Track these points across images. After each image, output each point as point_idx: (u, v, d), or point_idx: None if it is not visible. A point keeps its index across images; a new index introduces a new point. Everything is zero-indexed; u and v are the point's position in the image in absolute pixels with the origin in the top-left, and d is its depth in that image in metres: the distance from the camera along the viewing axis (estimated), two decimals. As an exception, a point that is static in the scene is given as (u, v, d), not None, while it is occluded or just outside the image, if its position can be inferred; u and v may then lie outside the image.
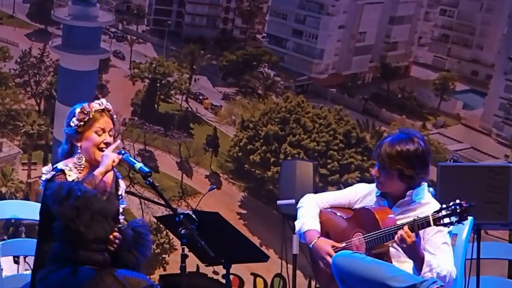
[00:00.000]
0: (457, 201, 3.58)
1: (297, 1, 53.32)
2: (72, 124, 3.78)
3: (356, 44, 53.59)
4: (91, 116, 3.78)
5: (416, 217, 3.69)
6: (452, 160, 5.41)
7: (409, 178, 3.82)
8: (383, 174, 3.86)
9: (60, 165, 3.75)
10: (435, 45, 54.82)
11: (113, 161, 3.72)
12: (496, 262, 5.74)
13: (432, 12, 54.73)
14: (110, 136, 3.81)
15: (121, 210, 3.91)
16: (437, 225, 3.60)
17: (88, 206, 3.53)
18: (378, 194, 3.99)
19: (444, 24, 54.42)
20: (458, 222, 3.57)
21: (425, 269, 3.65)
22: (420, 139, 3.85)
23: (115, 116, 3.90)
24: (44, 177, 3.73)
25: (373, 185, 4.06)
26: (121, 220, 3.89)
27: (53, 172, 3.73)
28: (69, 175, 3.71)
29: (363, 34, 53.78)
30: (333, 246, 3.98)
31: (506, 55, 48.72)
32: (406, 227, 3.65)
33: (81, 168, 3.75)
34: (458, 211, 3.54)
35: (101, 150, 3.75)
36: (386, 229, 3.78)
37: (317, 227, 4.11)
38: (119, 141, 3.85)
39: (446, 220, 3.57)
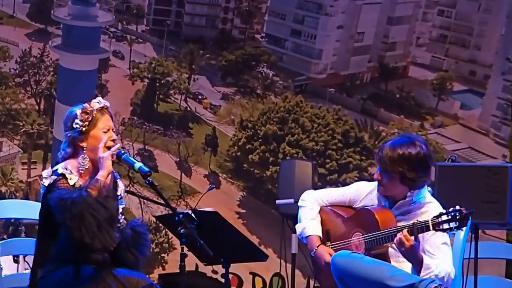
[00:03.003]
0: (457, 207, 3.60)
1: (295, 1, 53.24)
2: (75, 125, 3.78)
3: (355, 44, 53.51)
4: (94, 115, 3.79)
5: (416, 221, 3.71)
6: (450, 160, 5.43)
7: (411, 181, 3.83)
8: (385, 177, 3.87)
9: (60, 169, 3.75)
10: (433, 46, 54.76)
11: (112, 161, 3.74)
12: (493, 261, 5.76)
13: (430, 12, 54.66)
14: (113, 133, 3.83)
15: (120, 210, 3.92)
16: (436, 230, 3.62)
17: (94, 215, 3.54)
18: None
19: (442, 25, 54.35)
20: (457, 228, 3.60)
21: (423, 272, 3.68)
22: (422, 142, 3.87)
23: (113, 114, 3.92)
24: (46, 182, 3.73)
25: (374, 184, 4.07)
26: (121, 220, 3.90)
27: (54, 177, 3.72)
28: (70, 179, 3.71)
29: (361, 34, 53.70)
30: (331, 254, 4.01)
31: (504, 56, 48.67)
32: (405, 231, 3.67)
33: (85, 168, 3.75)
34: (457, 217, 3.57)
35: (109, 148, 3.76)
36: (385, 231, 3.80)
37: (318, 231, 4.14)
38: (118, 144, 3.86)
39: (445, 226, 3.59)
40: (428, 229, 3.66)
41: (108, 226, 3.58)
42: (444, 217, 3.60)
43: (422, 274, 3.68)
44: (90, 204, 3.54)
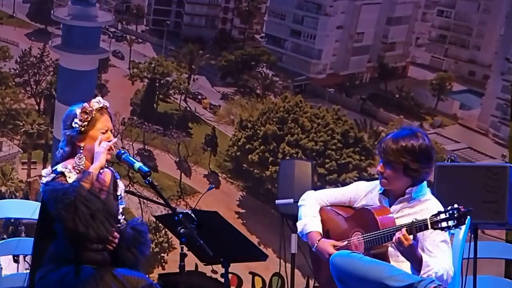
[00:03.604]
0: (455, 205, 3.61)
1: (295, 1, 53.24)
2: (74, 125, 3.78)
3: (354, 45, 53.45)
4: (93, 115, 3.79)
5: (414, 219, 3.71)
6: (449, 160, 5.44)
7: (414, 172, 3.84)
8: (388, 169, 3.87)
9: (59, 168, 3.75)
10: (432, 46, 54.68)
11: (107, 156, 3.74)
12: (492, 261, 5.77)
13: (430, 12, 54.58)
14: (111, 134, 3.84)
15: (120, 210, 3.92)
16: (434, 229, 3.62)
17: (87, 205, 3.54)
18: (381, 191, 4.02)
19: (441, 25, 54.27)
20: (456, 226, 3.60)
21: (422, 270, 3.68)
22: (424, 134, 3.89)
23: (112, 114, 3.93)
24: (44, 180, 3.74)
25: (374, 183, 4.08)
26: (121, 220, 3.90)
27: (52, 175, 3.73)
28: (69, 177, 3.71)
29: (361, 35, 53.63)
30: (334, 246, 4.01)
31: (503, 56, 48.68)
32: (404, 230, 3.68)
33: (80, 168, 3.75)
34: (455, 215, 3.57)
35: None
36: (384, 230, 3.80)
37: (319, 228, 4.14)
38: (115, 139, 3.86)
39: (444, 224, 3.59)
40: (426, 228, 3.66)
41: (102, 217, 3.58)
42: (443, 216, 3.61)
43: (421, 272, 3.69)
44: (83, 195, 3.54)
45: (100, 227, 3.56)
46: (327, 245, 4.01)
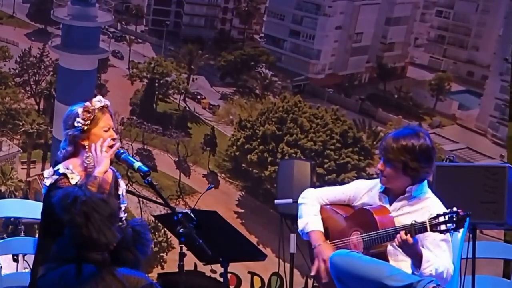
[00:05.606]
0: (454, 209, 3.63)
1: (294, 1, 53.33)
2: (77, 124, 3.80)
3: (353, 45, 53.39)
4: (95, 114, 3.81)
5: (414, 221, 3.73)
6: (448, 160, 5.45)
7: (414, 171, 3.87)
8: (388, 167, 3.89)
9: (61, 169, 3.78)
10: (431, 46, 54.51)
11: (110, 159, 3.76)
12: (491, 261, 5.80)
13: (428, 13, 54.50)
14: (114, 132, 3.86)
15: (123, 208, 3.94)
16: (433, 231, 3.65)
17: (98, 211, 3.56)
18: (381, 190, 4.03)
19: (440, 25, 54.14)
20: (454, 229, 3.64)
21: (423, 265, 3.71)
22: (425, 134, 3.91)
23: (112, 113, 3.95)
24: (47, 182, 3.75)
25: (374, 181, 4.10)
26: (123, 219, 3.92)
27: (55, 177, 3.75)
28: (71, 178, 3.73)
29: (359, 35, 53.60)
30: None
31: (502, 56, 48.79)
32: (402, 233, 3.70)
33: (91, 167, 3.77)
34: (454, 219, 3.59)
35: (110, 147, 3.78)
36: (383, 230, 3.83)
37: (321, 227, 4.16)
38: (118, 143, 3.88)
39: (443, 227, 3.63)
40: (425, 230, 3.69)
41: (109, 222, 3.60)
42: (442, 219, 3.63)
43: (421, 267, 3.70)
44: (94, 201, 3.56)
45: (108, 233, 3.58)
46: (330, 250, 4.02)
